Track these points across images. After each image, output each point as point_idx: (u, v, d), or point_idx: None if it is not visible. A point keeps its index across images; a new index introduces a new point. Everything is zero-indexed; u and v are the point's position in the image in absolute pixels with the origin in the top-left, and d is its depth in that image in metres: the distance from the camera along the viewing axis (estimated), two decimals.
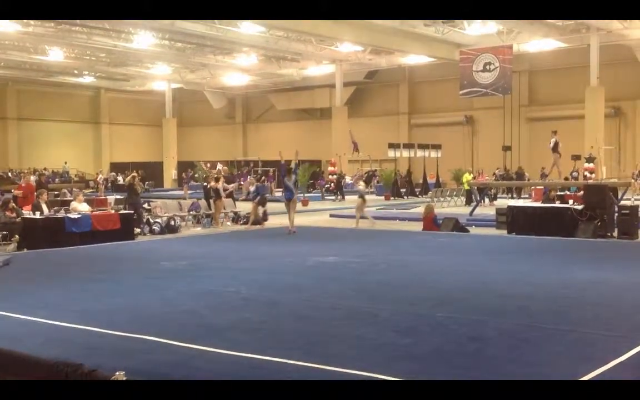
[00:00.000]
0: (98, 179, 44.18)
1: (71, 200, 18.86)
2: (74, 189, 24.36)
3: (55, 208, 17.42)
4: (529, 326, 7.23)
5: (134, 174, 21.05)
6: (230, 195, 23.30)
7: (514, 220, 17.86)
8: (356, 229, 19.18)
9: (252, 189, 20.84)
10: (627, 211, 16.79)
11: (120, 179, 43.07)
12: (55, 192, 28.36)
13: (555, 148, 24.67)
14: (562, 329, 7.03)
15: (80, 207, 16.82)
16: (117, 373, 3.76)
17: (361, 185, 21.12)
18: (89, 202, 19.04)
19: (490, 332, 7.02)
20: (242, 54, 40.47)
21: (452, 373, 5.61)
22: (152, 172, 48.46)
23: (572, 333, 6.88)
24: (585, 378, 5.31)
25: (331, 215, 25.20)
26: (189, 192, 33.85)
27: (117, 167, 50.06)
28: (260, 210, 20.65)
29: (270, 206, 22.85)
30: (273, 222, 21.08)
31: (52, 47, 38.02)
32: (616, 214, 17.02)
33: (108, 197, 26.35)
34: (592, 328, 7.08)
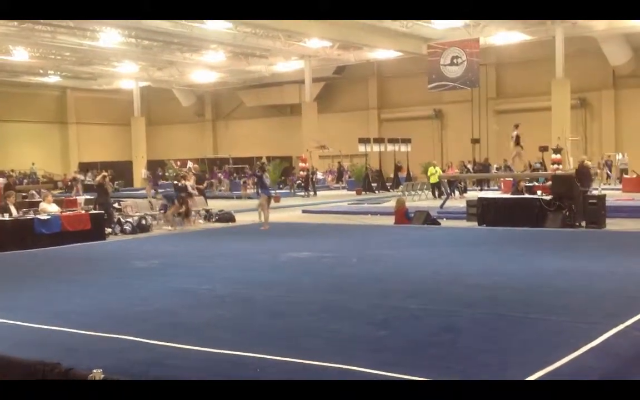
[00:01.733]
0: (69, 178, 43.59)
1: (40, 202, 18.65)
2: (42, 190, 24.01)
3: (24, 210, 17.20)
4: (500, 315, 7.36)
5: (104, 173, 20.87)
6: (201, 193, 23.24)
7: (484, 212, 18.10)
8: (272, 225, 18.33)
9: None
10: (595, 201, 17.11)
11: (86, 178, 42.52)
12: (24, 194, 27.97)
13: (517, 141, 24.96)
14: (533, 318, 7.16)
15: (49, 208, 16.64)
16: (95, 371, 3.75)
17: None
18: (58, 202, 18.83)
19: (462, 322, 7.12)
20: (210, 51, 40.27)
21: (427, 363, 5.69)
22: (121, 171, 47.97)
23: (542, 321, 7.01)
24: (556, 366, 5.43)
25: (303, 211, 25.26)
26: (160, 191, 33.57)
27: (85, 167, 49.47)
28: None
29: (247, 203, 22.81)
30: (243, 219, 21.05)
31: (16, 46, 37.42)
32: (583, 204, 17.33)
33: (77, 198, 26.06)
34: (562, 316, 7.22)
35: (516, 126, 26.08)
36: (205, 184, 30.27)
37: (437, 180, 29.81)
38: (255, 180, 19.76)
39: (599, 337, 6.20)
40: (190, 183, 21.22)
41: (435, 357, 5.89)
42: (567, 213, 16.72)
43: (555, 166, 29.64)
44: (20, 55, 38.70)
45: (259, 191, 19.16)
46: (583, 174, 19.50)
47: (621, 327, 6.58)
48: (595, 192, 18.81)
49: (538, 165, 30.79)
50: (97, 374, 3.75)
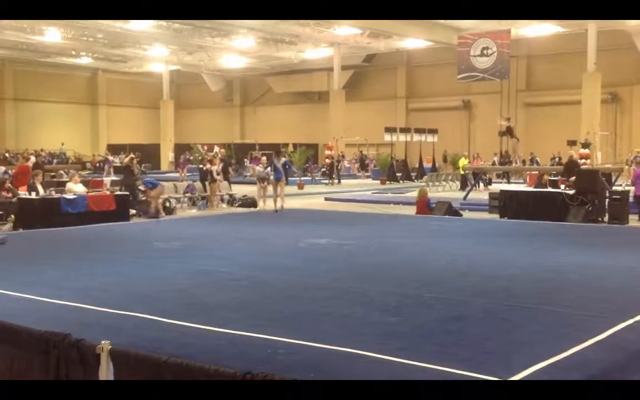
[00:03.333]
0: (98, 159, 44.19)
1: (67, 182, 19.00)
2: (70, 170, 24.45)
3: (51, 188, 17.55)
4: (511, 306, 7.41)
5: (132, 155, 21.17)
6: (226, 178, 23.46)
7: (506, 205, 18.05)
8: (285, 210, 18.96)
9: (263, 169, 20.57)
10: (618, 196, 16.97)
11: (115, 160, 43.05)
12: (52, 174, 28.49)
13: (512, 133, 24.82)
14: (544, 309, 7.21)
15: (75, 188, 16.95)
16: (103, 342, 3.91)
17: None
18: (85, 183, 19.18)
19: (473, 311, 7.19)
20: (240, 36, 40.42)
21: (434, 349, 5.79)
22: (149, 154, 48.48)
23: (552, 313, 7.06)
24: (559, 357, 5.48)
25: (326, 199, 25.37)
26: (187, 174, 33.94)
27: (114, 149, 50.11)
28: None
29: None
30: (270, 204, 21.20)
31: (49, 27, 37.95)
32: (607, 199, 17.21)
33: (105, 179, 26.49)
34: (573, 309, 7.26)
35: (507, 119, 26.05)
36: (231, 170, 30.53)
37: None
38: (271, 165, 20.10)
39: (606, 331, 6.24)
40: (215, 168, 21.45)
41: (442, 344, 5.99)
42: (590, 208, 16.61)
43: (583, 161, 29.38)
44: (53, 36, 39.24)
45: (271, 175, 19.62)
46: (571, 169, 19.59)
47: (630, 321, 6.60)
48: (619, 188, 18.61)
49: (557, 159, 30.62)
50: (105, 345, 3.90)
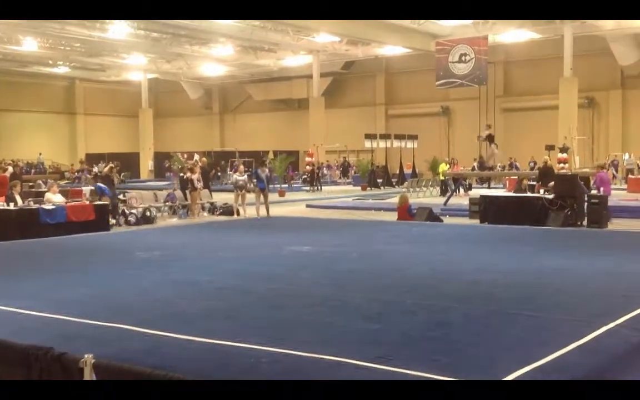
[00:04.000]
0: (76, 168, 43.80)
1: (45, 192, 18.81)
2: (48, 180, 24.21)
3: (30, 199, 17.37)
4: (493, 312, 7.45)
5: (111, 164, 21.02)
6: (207, 186, 23.38)
7: (486, 210, 18.17)
8: (272, 218, 19.58)
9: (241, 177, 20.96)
10: (597, 200, 17.15)
11: (95, 169, 42.68)
12: (30, 184, 28.19)
13: (491, 140, 25.09)
14: (525, 315, 7.25)
15: (54, 198, 16.79)
16: (86, 356, 3.86)
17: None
18: (63, 193, 19.00)
19: (456, 317, 7.22)
20: (219, 44, 40.38)
21: (418, 356, 5.79)
22: (128, 163, 48.18)
23: (534, 318, 7.10)
24: (541, 362, 5.52)
25: (307, 206, 25.36)
26: (166, 183, 33.77)
27: (92, 159, 49.72)
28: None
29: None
30: (250, 212, 21.17)
31: (25, 36, 37.63)
32: (586, 203, 17.38)
33: (83, 188, 26.23)
34: (555, 313, 7.31)
35: (488, 126, 26.38)
36: (212, 175, 30.41)
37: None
38: (252, 174, 20.70)
39: (588, 335, 6.29)
40: (195, 176, 21.36)
41: (426, 351, 6.00)
42: (569, 212, 16.77)
43: (561, 165, 29.67)
44: (29, 45, 38.91)
45: (254, 184, 20.23)
46: (546, 174, 19.88)
47: (612, 325, 6.66)
48: (598, 192, 18.81)
49: (532, 164, 30.99)
50: (89, 359, 3.86)
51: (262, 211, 19.69)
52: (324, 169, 42.82)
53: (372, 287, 9.11)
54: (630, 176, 32.18)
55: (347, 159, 44.76)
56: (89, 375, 3.78)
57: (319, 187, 35.43)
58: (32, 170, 44.61)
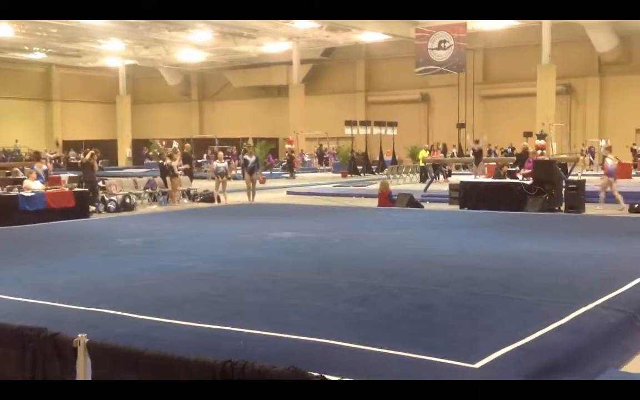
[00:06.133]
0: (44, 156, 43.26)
1: (24, 179, 18.65)
2: (26, 167, 23.98)
3: (8, 186, 17.22)
4: (475, 294, 7.58)
5: (92, 151, 20.88)
6: (188, 172, 23.33)
7: (466, 196, 18.35)
8: (256, 204, 20.12)
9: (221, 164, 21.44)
10: (574, 186, 17.40)
11: (70, 156, 42.29)
12: (7, 171, 27.87)
13: (479, 156, 25.71)
14: (506, 297, 7.39)
15: (33, 185, 16.67)
16: (79, 336, 3.90)
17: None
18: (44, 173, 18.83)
19: (438, 300, 7.34)
20: (197, 30, 40.07)
21: (402, 337, 5.90)
22: (105, 150, 47.78)
23: (515, 300, 7.24)
24: (523, 341, 5.65)
25: (288, 193, 25.40)
26: (145, 170, 33.60)
27: (69, 146, 49.27)
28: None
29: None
30: (230, 199, 21.19)
31: (0, 22, 37.08)
32: (564, 189, 17.62)
33: (61, 175, 26.01)
34: (535, 295, 7.45)
35: (476, 142, 26.85)
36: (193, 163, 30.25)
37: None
38: (240, 161, 21.54)
39: (567, 316, 6.44)
40: (176, 163, 21.30)
41: (409, 332, 6.11)
42: (547, 197, 16.99)
43: (539, 152, 29.98)
44: (5, 31, 38.34)
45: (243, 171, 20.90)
46: (525, 159, 20.33)
47: (590, 306, 6.82)
48: (575, 178, 19.08)
49: (510, 150, 31.32)
50: (82, 339, 3.90)
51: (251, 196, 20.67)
52: (304, 156, 42.83)
53: (356, 271, 9.20)
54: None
55: (322, 146, 44.77)
56: (82, 355, 3.82)
57: (292, 175, 35.27)
58: (8, 158, 44.08)
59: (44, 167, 17.28)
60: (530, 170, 19.82)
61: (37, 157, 20.49)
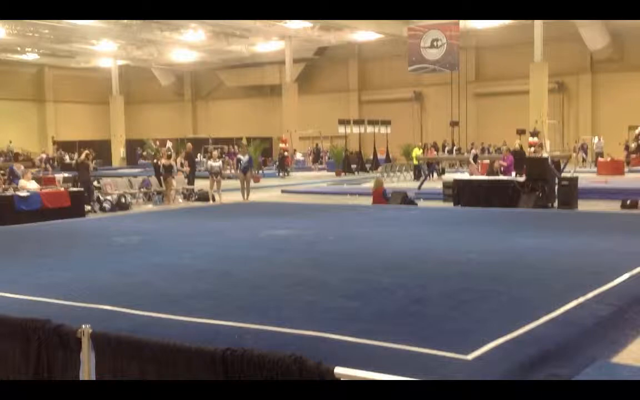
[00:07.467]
0: (38, 158, 43.29)
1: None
2: (22, 167, 24.01)
3: (4, 187, 17.26)
4: (468, 289, 7.67)
5: (87, 151, 20.95)
6: (190, 173, 23.52)
7: (460, 193, 18.47)
8: (253, 203, 20.50)
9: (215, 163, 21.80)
10: (567, 183, 17.55)
11: (67, 157, 42.30)
12: (1, 171, 27.85)
13: (474, 160, 26.06)
14: (499, 290, 7.49)
15: (29, 185, 16.72)
16: (83, 326, 3.98)
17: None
18: (37, 180, 18.91)
19: (431, 295, 7.43)
20: (190, 30, 40.12)
21: (396, 330, 5.99)
22: (99, 150, 47.69)
23: (507, 294, 7.34)
24: (515, 334, 5.75)
25: (282, 191, 25.48)
26: (140, 170, 33.61)
27: (63, 146, 49.17)
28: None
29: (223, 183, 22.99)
30: (225, 198, 21.26)
31: None
32: (557, 185, 17.76)
33: (55, 175, 26.04)
34: (527, 289, 7.55)
35: (472, 144, 27.13)
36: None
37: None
38: (235, 160, 22.21)
39: (559, 309, 6.54)
40: (179, 160, 21.51)
41: (403, 325, 6.20)
42: (540, 194, 17.13)
43: (532, 149, 30.14)
44: None
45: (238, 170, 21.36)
46: (519, 158, 20.76)
47: (581, 299, 6.92)
48: (568, 175, 19.24)
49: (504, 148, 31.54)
50: (86, 329, 3.98)
51: (246, 194, 21.16)
52: (298, 155, 42.86)
53: (350, 268, 9.28)
54: (600, 159, 32.80)
55: (318, 145, 44.87)
56: (86, 345, 3.90)
57: (283, 174, 35.30)
58: (2, 158, 44.00)
59: (34, 184, 17.22)
60: (507, 164, 20.00)
61: (32, 163, 20.58)
